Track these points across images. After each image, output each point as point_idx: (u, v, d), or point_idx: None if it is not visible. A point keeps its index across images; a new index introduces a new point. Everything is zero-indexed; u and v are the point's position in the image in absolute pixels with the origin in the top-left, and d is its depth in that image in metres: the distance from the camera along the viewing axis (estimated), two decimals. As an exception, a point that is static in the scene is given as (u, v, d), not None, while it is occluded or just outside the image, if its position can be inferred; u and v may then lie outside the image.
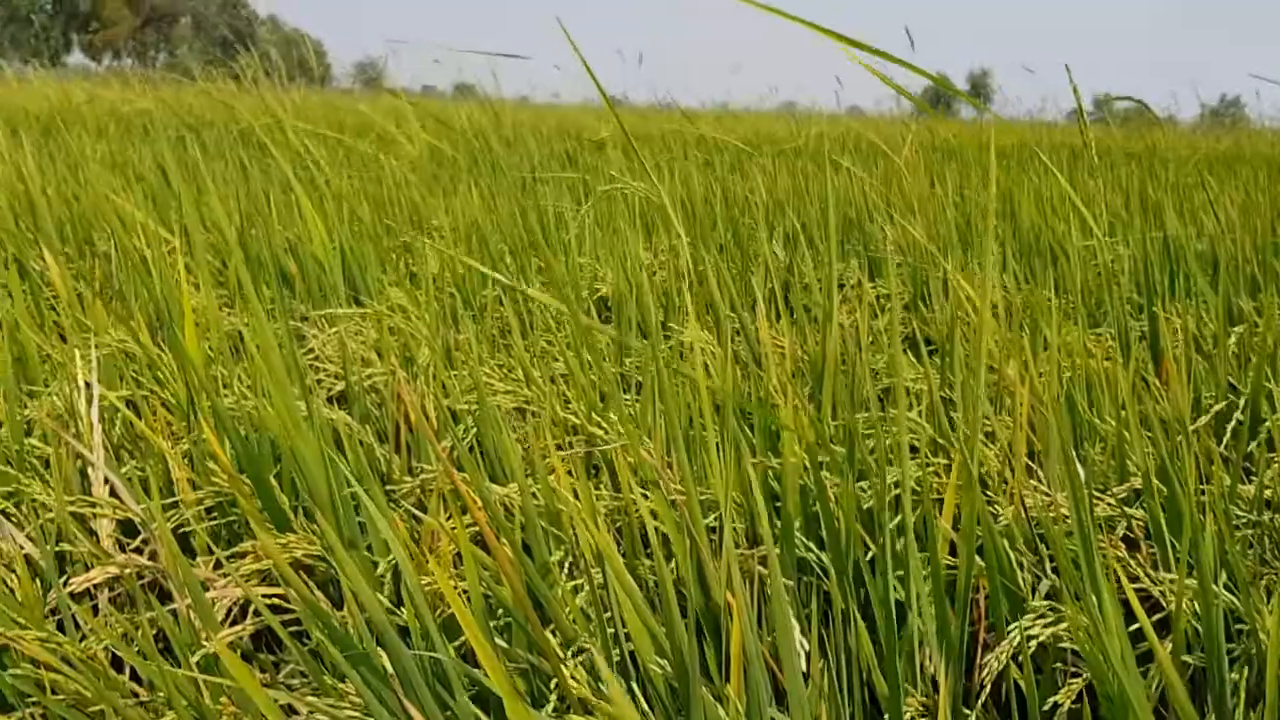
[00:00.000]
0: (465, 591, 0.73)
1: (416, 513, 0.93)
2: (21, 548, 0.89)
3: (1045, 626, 0.78)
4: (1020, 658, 0.74)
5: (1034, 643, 0.76)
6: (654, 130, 4.57)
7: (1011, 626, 0.77)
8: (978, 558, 0.79)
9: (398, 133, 2.96)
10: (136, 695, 0.80)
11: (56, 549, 0.89)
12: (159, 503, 0.88)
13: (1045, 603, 0.79)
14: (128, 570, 0.90)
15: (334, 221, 1.60)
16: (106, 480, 0.93)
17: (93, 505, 0.91)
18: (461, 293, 1.59)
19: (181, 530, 0.93)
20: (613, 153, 3.15)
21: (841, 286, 1.68)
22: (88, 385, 0.99)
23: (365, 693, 0.58)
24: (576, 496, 0.89)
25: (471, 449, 1.12)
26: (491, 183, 2.30)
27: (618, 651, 0.70)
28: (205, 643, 0.73)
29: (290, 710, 0.67)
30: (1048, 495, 0.94)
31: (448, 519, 0.91)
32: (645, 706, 0.67)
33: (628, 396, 1.27)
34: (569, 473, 0.95)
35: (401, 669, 0.59)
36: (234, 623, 0.86)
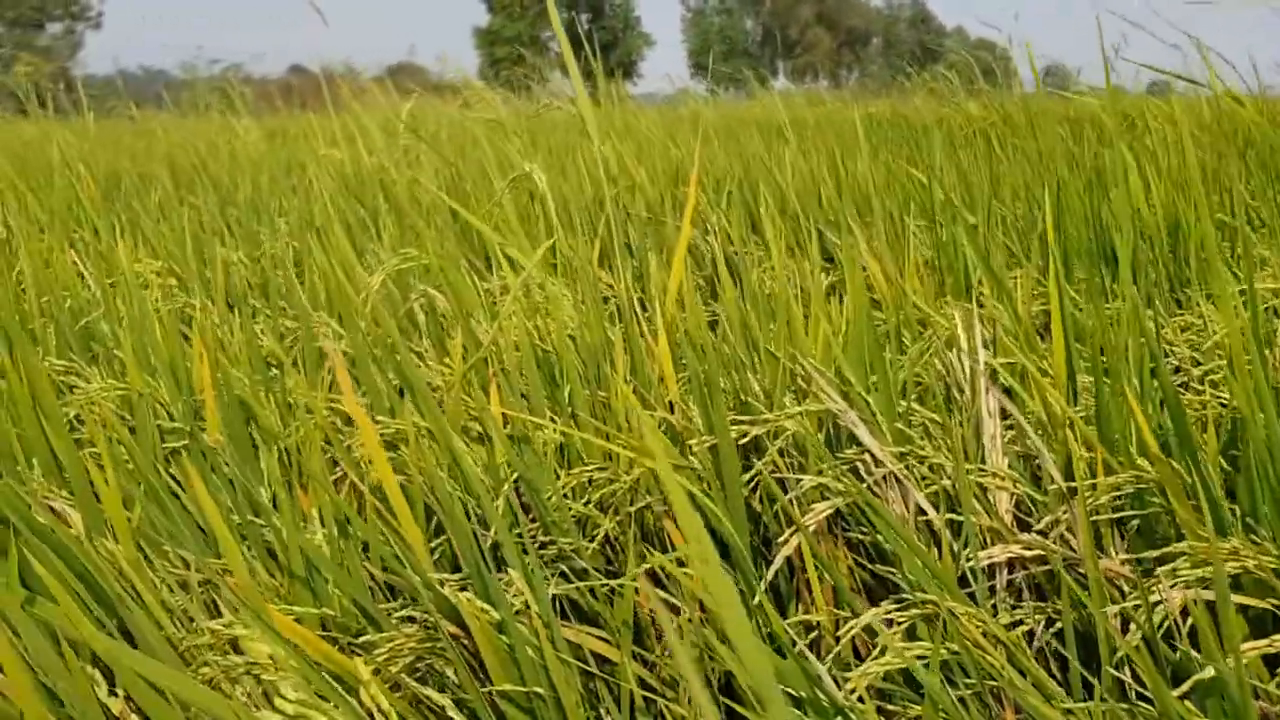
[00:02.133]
0: None
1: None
2: (923, 512, 0.84)
3: None
4: None
5: None
6: None
7: None
8: None
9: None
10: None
11: (952, 518, 0.83)
12: (1084, 483, 0.77)
13: None
14: (1031, 552, 0.81)
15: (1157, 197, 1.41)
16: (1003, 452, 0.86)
17: (990, 475, 0.84)
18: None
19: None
20: None
21: None
22: (972, 354, 0.92)
23: None
24: None
25: None
26: None
27: None
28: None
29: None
30: None
31: None
32: None
33: None
34: None
35: None
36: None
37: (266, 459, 0.96)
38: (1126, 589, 0.78)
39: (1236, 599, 0.73)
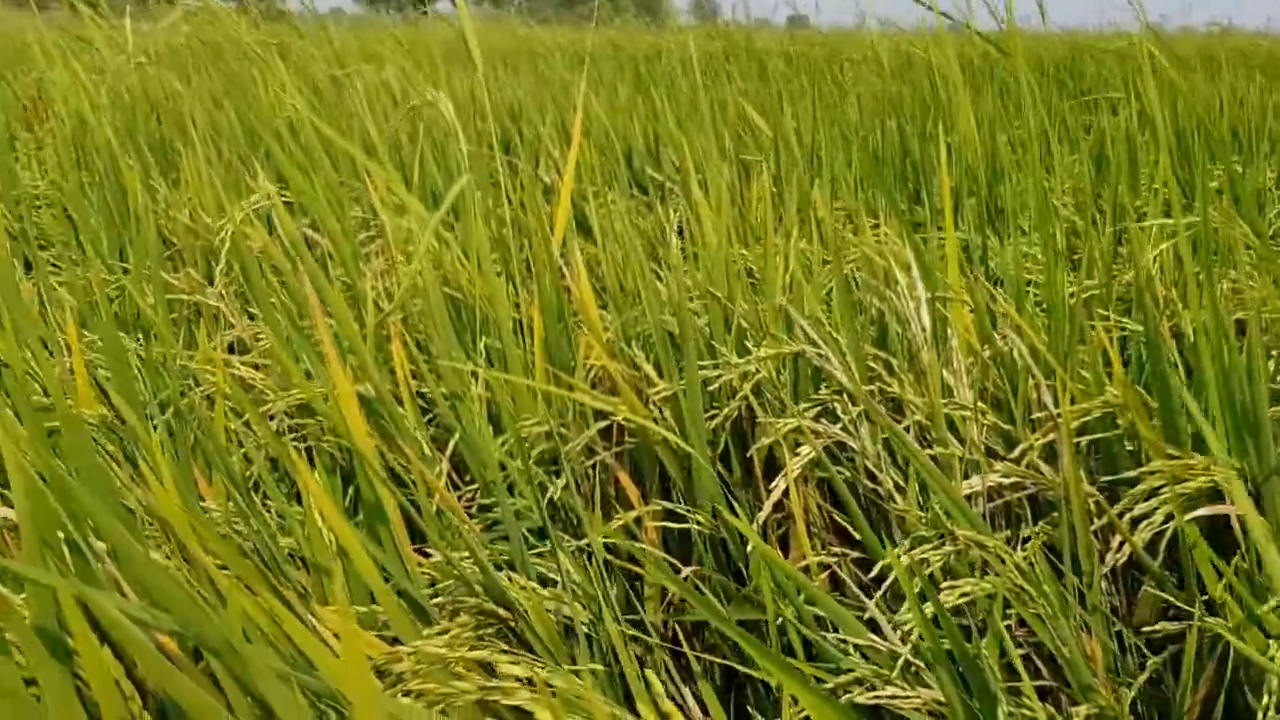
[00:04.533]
0: None
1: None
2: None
3: None
4: None
5: None
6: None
7: None
8: None
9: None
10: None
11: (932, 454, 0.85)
12: (1067, 410, 0.81)
13: None
14: (1009, 480, 0.85)
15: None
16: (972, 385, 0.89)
17: (963, 408, 0.87)
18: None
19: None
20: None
21: None
22: (911, 289, 0.94)
23: None
24: None
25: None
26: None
27: None
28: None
29: None
30: None
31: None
32: None
33: None
34: None
35: None
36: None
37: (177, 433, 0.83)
38: (1094, 510, 0.83)
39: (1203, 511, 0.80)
